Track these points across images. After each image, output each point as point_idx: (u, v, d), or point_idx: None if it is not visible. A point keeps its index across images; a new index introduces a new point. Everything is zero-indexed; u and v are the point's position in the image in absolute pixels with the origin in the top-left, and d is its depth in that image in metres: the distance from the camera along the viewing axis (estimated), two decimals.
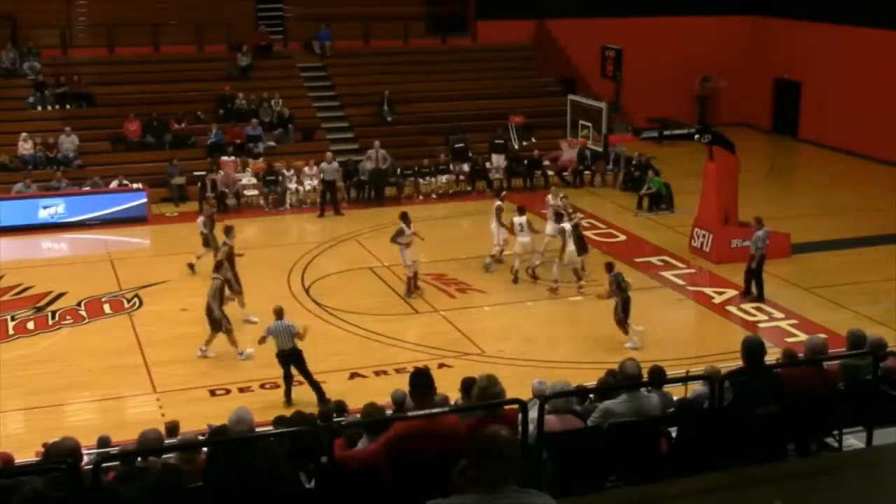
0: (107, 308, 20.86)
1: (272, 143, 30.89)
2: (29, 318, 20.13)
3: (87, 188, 27.65)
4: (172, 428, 12.49)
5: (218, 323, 18.03)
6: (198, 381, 17.19)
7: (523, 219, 21.82)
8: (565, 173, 31.08)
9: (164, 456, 8.89)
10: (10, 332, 19.62)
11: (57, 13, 33.19)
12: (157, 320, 20.04)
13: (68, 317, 20.32)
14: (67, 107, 30.95)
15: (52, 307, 20.71)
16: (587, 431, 7.82)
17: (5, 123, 29.91)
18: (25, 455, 11.28)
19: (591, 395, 10.11)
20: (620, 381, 8.45)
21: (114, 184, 27.84)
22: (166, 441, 10.04)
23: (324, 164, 27.89)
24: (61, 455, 7.09)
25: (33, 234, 26.16)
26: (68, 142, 29.32)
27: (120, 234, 26.28)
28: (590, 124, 26.99)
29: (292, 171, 28.85)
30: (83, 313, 20.44)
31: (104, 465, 7.71)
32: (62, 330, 19.86)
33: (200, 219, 22.83)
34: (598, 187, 30.74)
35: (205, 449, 8.47)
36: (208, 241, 22.01)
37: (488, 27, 36.45)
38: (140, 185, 27.86)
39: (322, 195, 27.82)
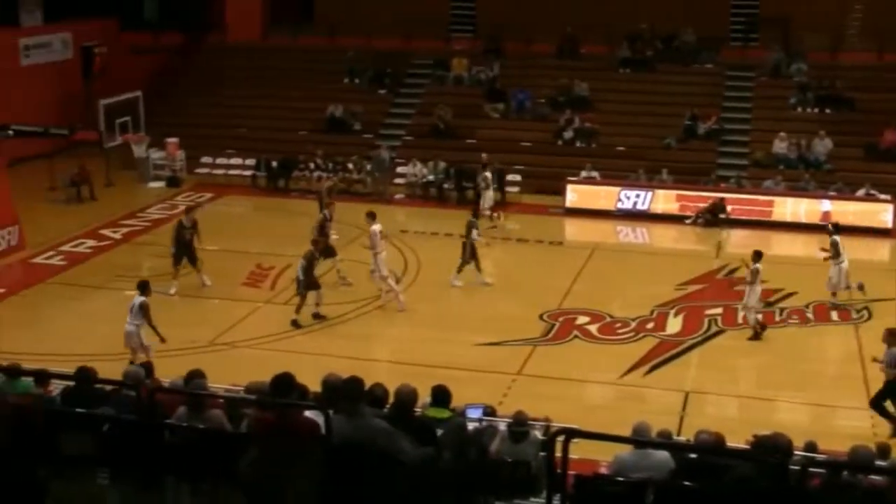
0: (833, 315, 20.66)
1: None
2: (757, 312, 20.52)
3: (833, 193, 27.55)
4: (885, 450, 11.98)
5: None
6: None
7: None
8: None
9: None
10: (739, 321, 20.19)
11: (830, 16, 33.22)
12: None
13: (794, 316, 20.48)
14: (827, 111, 31.02)
15: (781, 304, 20.99)
16: None
17: (765, 121, 30.98)
18: (734, 440, 11.56)
19: None
20: None
21: (860, 192, 27.34)
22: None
23: None
24: (777, 448, 7.23)
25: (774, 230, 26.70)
26: (821, 145, 29.43)
27: (861, 243, 25.53)
28: None
29: None
30: (810, 315, 20.46)
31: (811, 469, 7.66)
32: (787, 328, 20.09)
33: None
34: None
35: None
36: None
37: None
38: (888, 197, 27.02)
39: None
